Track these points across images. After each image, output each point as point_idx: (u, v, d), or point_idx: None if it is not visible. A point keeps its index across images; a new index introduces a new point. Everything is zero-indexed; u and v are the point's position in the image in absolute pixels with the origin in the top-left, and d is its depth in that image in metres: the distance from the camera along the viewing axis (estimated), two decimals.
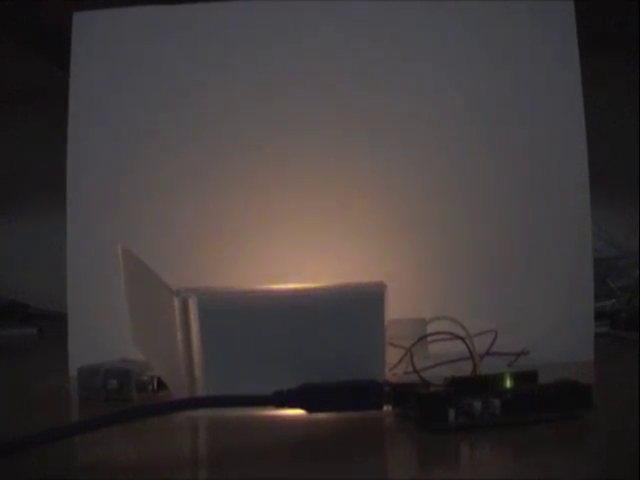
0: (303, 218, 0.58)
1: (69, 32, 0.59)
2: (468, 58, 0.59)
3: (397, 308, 0.43)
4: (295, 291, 0.44)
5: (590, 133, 0.58)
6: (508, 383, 0.40)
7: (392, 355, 0.45)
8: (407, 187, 0.58)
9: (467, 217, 0.58)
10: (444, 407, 0.37)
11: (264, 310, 0.42)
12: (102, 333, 0.56)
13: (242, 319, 0.41)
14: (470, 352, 0.47)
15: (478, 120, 0.59)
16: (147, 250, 0.50)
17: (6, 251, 1.02)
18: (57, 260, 0.61)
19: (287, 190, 0.58)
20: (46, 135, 1.01)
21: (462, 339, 0.47)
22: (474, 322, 0.48)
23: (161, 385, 0.47)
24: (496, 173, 0.58)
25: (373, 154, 0.58)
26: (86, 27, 0.59)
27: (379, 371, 0.42)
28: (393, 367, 0.46)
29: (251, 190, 0.58)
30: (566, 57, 0.58)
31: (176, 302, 0.41)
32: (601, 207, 0.64)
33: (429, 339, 0.50)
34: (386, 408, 0.40)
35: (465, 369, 0.46)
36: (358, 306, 0.43)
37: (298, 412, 0.40)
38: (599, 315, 0.67)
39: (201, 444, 0.41)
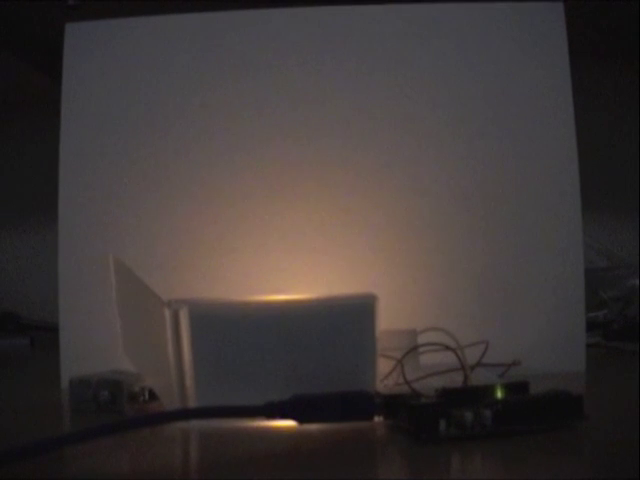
0: (294, 229, 0.58)
1: (61, 43, 0.59)
2: (457, 63, 0.59)
3: (388, 319, 0.44)
4: (286, 302, 0.44)
5: (586, 141, 0.59)
6: (499, 394, 0.40)
7: (383, 366, 0.45)
8: (398, 199, 0.58)
9: (458, 228, 0.58)
10: (435, 418, 0.37)
11: (255, 321, 0.42)
12: (94, 344, 0.56)
13: (233, 330, 0.41)
14: (461, 363, 0.47)
15: (468, 128, 0.59)
16: (138, 261, 0.50)
17: None
18: (49, 271, 0.61)
19: (278, 201, 0.58)
20: (39, 146, 1.01)
21: (453, 350, 0.47)
22: (465, 333, 0.48)
23: (152, 396, 0.47)
24: (486, 182, 0.58)
25: (365, 165, 0.58)
26: (78, 38, 0.59)
27: (370, 382, 0.42)
28: (384, 378, 0.46)
29: (244, 202, 0.58)
30: (556, 61, 0.59)
31: (167, 313, 0.41)
32: (593, 217, 0.64)
33: (420, 350, 0.50)
34: (377, 419, 0.40)
35: (456, 380, 0.46)
36: (349, 317, 0.43)
37: (289, 423, 0.39)
38: (591, 326, 0.67)
39: (192, 455, 0.41)
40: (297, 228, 0.58)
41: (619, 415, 0.44)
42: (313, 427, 0.40)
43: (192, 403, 0.40)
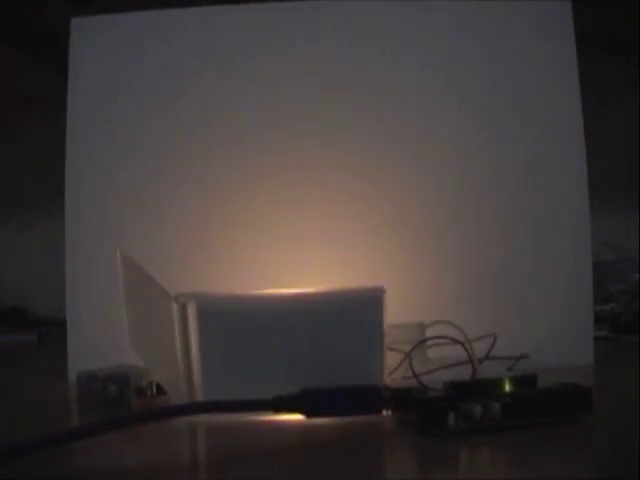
0: (301, 223, 0.58)
1: (67, 38, 0.59)
2: (463, 59, 0.59)
3: (396, 312, 0.43)
4: (294, 296, 0.44)
5: (590, 137, 0.58)
6: (508, 387, 0.40)
7: (391, 360, 0.45)
8: (405, 191, 0.58)
9: (466, 221, 0.58)
10: (444, 411, 0.37)
11: (263, 315, 0.42)
12: (101, 339, 0.56)
13: (241, 324, 0.41)
14: (469, 356, 0.47)
15: (476, 123, 0.59)
16: (145, 256, 0.50)
17: (5, 257, 1.02)
18: (56, 266, 0.61)
19: (285, 194, 0.58)
20: (45, 140, 1.01)
21: (461, 343, 0.47)
22: (473, 326, 0.48)
23: (160, 390, 0.47)
24: (495, 176, 0.58)
25: (371, 157, 0.58)
26: (84, 32, 0.59)
27: (378, 376, 0.42)
28: (392, 372, 0.46)
29: (250, 195, 0.58)
30: (564, 58, 0.58)
31: (174, 307, 0.41)
32: (600, 210, 0.64)
33: (428, 343, 0.49)
34: (385, 413, 0.40)
35: (464, 373, 0.46)
36: (357, 311, 0.43)
37: (297, 417, 0.39)
38: (599, 319, 0.67)
39: (200, 449, 0.41)
40: (306, 222, 0.58)
41: (626, 408, 0.43)
42: (321, 421, 0.40)
43: (200, 397, 0.40)
